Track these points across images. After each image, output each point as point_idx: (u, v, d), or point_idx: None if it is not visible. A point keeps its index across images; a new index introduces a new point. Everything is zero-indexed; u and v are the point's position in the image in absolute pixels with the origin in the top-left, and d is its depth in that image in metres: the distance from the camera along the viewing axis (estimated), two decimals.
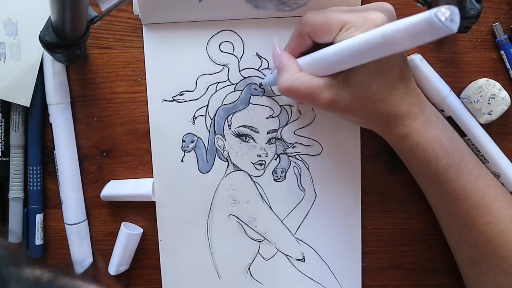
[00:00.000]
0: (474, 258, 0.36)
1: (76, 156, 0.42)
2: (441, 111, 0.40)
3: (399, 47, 0.29)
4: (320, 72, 0.34)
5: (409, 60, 0.39)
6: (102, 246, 0.44)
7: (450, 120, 0.40)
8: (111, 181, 0.43)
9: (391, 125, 0.35)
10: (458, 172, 0.34)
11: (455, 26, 0.26)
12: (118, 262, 0.42)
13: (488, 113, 0.40)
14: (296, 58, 0.36)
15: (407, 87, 0.35)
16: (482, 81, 0.40)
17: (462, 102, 0.41)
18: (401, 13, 0.41)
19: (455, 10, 0.26)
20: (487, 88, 0.40)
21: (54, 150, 0.41)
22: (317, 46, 0.35)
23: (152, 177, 0.43)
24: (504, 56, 0.41)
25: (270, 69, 0.42)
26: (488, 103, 0.40)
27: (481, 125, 0.41)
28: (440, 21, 0.25)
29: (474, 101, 0.40)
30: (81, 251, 0.42)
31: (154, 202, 0.43)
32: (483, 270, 0.36)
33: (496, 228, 0.34)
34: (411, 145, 0.35)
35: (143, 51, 0.41)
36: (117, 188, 0.42)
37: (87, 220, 0.42)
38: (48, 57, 0.39)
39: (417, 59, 0.40)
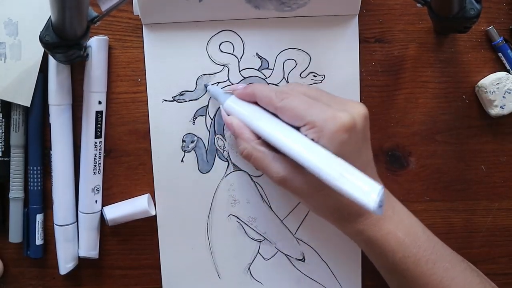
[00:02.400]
0: None
1: (71, 159, 0.42)
2: None
3: (330, 186, 0.30)
4: (263, 138, 0.35)
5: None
6: (101, 246, 0.43)
7: None
8: (104, 207, 0.42)
9: (343, 220, 0.35)
10: (415, 262, 0.35)
11: (381, 212, 0.28)
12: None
13: (501, 107, 0.40)
14: (254, 102, 0.37)
15: None
16: (502, 73, 0.41)
17: (477, 90, 0.41)
18: (401, 13, 0.41)
19: (383, 195, 0.28)
20: (505, 82, 0.40)
21: (51, 150, 0.41)
22: None
23: (152, 176, 0.43)
24: (503, 58, 0.41)
25: (271, 69, 0.42)
26: (503, 97, 0.40)
27: (490, 117, 0.41)
28: (374, 206, 0.27)
29: (489, 91, 0.40)
30: (65, 253, 0.42)
31: (154, 202, 0.43)
32: None
33: None
34: (365, 240, 0.35)
35: (143, 51, 0.42)
36: (117, 211, 0.42)
37: (76, 223, 0.42)
38: (53, 58, 0.39)
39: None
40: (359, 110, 0.33)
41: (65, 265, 0.42)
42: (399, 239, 0.35)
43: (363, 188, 0.28)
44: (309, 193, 0.34)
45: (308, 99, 0.34)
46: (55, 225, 0.42)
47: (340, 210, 0.35)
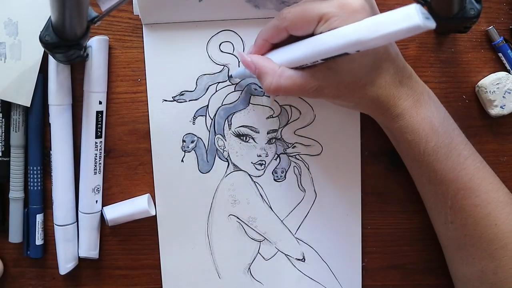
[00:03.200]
0: (460, 241, 0.36)
1: (71, 159, 0.42)
2: None
3: (376, 45, 0.29)
4: (300, 66, 0.34)
5: None
6: (101, 246, 0.43)
7: None
8: (104, 208, 0.42)
9: (381, 107, 0.35)
10: (447, 153, 0.34)
11: (433, 23, 0.26)
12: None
13: (501, 107, 0.40)
14: (268, 49, 0.36)
15: (396, 66, 0.34)
16: (502, 74, 0.41)
17: (477, 90, 0.41)
18: None
19: (422, 8, 0.26)
20: (505, 82, 0.40)
21: (51, 150, 0.41)
22: (291, 37, 0.35)
23: (152, 176, 0.43)
24: (503, 58, 0.41)
25: None
26: (503, 97, 0.40)
27: (490, 117, 0.41)
28: (421, 20, 0.26)
29: (490, 91, 0.40)
30: (65, 253, 0.42)
31: (154, 202, 0.43)
32: (469, 253, 0.36)
33: (483, 210, 0.34)
34: (401, 125, 0.35)
35: (143, 51, 0.42)
36: (117, 211, 0.42)
37: (76, 223, 0.42)
38: (53, 58, 0.39)
39: None
40: None
41: (65, 265, 0.42)
42: (433, 126, 0.34)
43: (399, 14, 0.26)
44: (347, 91, 0.34)
45: (307, 2, 0.33)
46: (55, 225, 0.42)
47: (380, 96, 0.34)
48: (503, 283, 0.34)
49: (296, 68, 0.35)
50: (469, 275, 0.36)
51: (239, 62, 0.41)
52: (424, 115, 0.34)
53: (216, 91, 0.42)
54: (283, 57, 0.35)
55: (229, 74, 0.41)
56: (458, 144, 0.35)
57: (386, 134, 0.39)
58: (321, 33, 0.32)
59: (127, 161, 0.43)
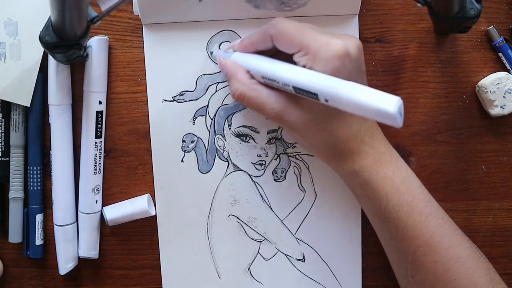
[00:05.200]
0: None
1: (71, 158, 0.42)
2: None
3: (348, 111, 0.29)
4: (261, 79, 0.34)
5: None
6: (101, 246, 0.44)
7: None
8: (104, 208, 0.42)
9: (339, 159, 0.35)
10: (408, 211, 0.34)
11: (401, 122, 0.26)
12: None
13: (501, 107, 0.40)
14: (251, 52, 0.36)
15: (362, 124, 0.34)
16: (502, 74, 0.41)
17: (477, 90, 0.41)
18: (401, 13, 0.41)
19: (401, 104, 0.26)
20: (505, 82, 0.40)
21: (51, 150, 0.41)
22: (276, 52, 0.35)
23: (152, 176, 0.43)
24: (503, 58, 0.41)
25: None
26: (503, 97, 0.40)
27: (490, 117, 0.41)
28: (396, 115, 0.26)
29: (490, 91, 0.40)
30: (65, 253, 0.42)
31: (154, 202, 0.43)
32: None
33: (443, 266, 0.34)
34: (360, 182, 0.35)
35: (143, 51, 0.41)
36: (117, 211, 0.42)
37: (76, 223, 0.42)
38: (52, 58, 0.39)
39: None
40: (352, 40, 0.33)
41: (65, 265, 0.42)
42: (394, 185, 0.34)
43: (380, 97, 0.26)
44: (305, 128, 0.34)
45: (302, 25, 0.33)
46: (55, 225, 0.42)
47: (336, 147, 0.34)
48: None
49: (266, 86, 0.35)
50: None
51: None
52: (384, 174, 0.34)
53: (216, 91, 0.42)
54: (262, 67, 0.35)
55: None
56: (419, 202, 0.34)
57: (347, 186, 0.38)
58: (297, 61, 0.32)
59: (127, 161, 0.43)
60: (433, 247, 0.34)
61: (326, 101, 0.29)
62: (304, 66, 0.32)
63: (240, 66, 0.36)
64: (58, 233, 0.42)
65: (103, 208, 0.42)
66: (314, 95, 0.30)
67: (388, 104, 0.26)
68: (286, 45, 0.33)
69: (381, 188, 0.34)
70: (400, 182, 0.34)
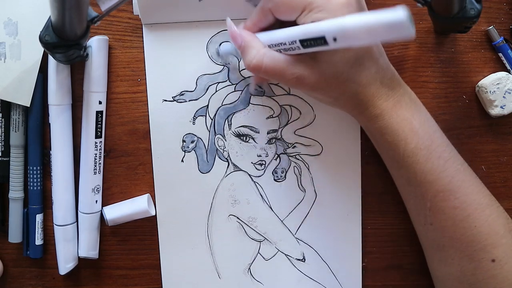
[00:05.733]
0: (440, 242, 0.36)
1: (71, 158, 0.42)
2: None
3: (359, 43, 0.29)
4: (276, 48, 0.34)
5: None
6: (101, 246, 0.44)
7: None
8: (104, 208, 0.42)
9: (361, 105, 0.34)
10: (427, 155, 0.34)
11: (413, 31, 0.26)
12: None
13: (501, 107, 0.40)
14: (256, 31, 0.36)
15: (378, 66, 0.34)
16: (502, 74, 0.41)
17: (477, 90, 0.41)
18: None
19: (408, 12, 0.26)
20: (505, 82, 0.40)
21: (51, 150, 0.41)
22: (279, 22, 0.35)
23: (152, 176, 0.43)
24: (503, 58, 0.41)
25: None
26: (503, 97, 0.40)
27: (490, 117, 0.41)
28: (408, 22, 0.26)
29: (490, 91, 0.40)
30: (65, 253, 0.42)
31: (154, 202, 0.43)
32: (448, 254, 0.35)
33: (463, 212, 0.34)
34: (380, 126, 0.34)
35: (143, 51, 0.41)
36: (117, 211, 0.42)
37: (76, 223, 0.42)
38: (52, 58, 0.39)
39: None
40: None
41: (65, 265, 0.42)
42: (413, 127, 0.34)
43: (386, 12, 0.26)
44: (327, 84, 0.33)
45: None
46: (54, 225, 0.42)
47: (359, 94, 0.34)
48: (481, 283, 0.34)
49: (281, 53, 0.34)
50: (448, 275, 0.36)
51: (238, 62, 0.41)
52: (404, 116, 0.34)
53: (216, 91, 0.42)
54: (267, 36, 0.34)
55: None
56: (438, 146, 0.34)
57: (367, 134, 0.38)
58: (304, 23, 0.32)
59: (127, 161, 0.43)
60: (453, 192, 0.34)
61: (335, 40, 0.29)
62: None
63: (255, 35, 0.35)
64: (58, 233, 0.42)
65: (103, 208, 0.42)
66: (322, 40, 0.30)
67: (397, 14, 0.26)
68: (288, 11, 0.33)
69: (401, 130, 0.34)
70: (419, 125, 0.34)
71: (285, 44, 0.33)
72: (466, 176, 0.35)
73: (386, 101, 0.34)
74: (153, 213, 0.42)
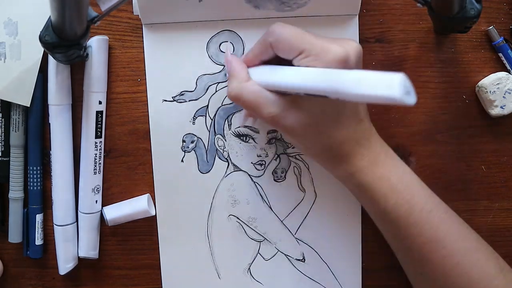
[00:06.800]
0: None
1: (71, 158, 0.42)
2: None
3: (353, 100, 0.28)
4: (270, 88, 0.34)
5: None
6: (101, 246, 0.44)
7: None
8: (104, 208, 0.42)
9: (334, 161, 0.34)
10: (408, 209, 0.34)
11: (412, 100, 0.25)
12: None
13: (501, 107, 0.40)
14: (257, 64, 0.36)
15: (359, 126, 0.34)
16: (502, 74, 0.41)
17: (477, 90, 0.41)
18: (401, 13, 0.41)
19: (407, 81, 0.25)
20: (505, 82, 0.40)
21: (50, 150, 0.41)
22: (279, 59, 0.34)
23: (152, 176, 0.43)
24: (503, 58, 0.41)
25: None
26: (503, 97, 0.40)
27: (490, 117, 0.41)
28: (399, 95, 0.24)
29: (490, 91, 0.40)
30: (65, 253, 0.42)
31: (154, 202, 0.43)
32: None
33: (452, 261, 0.34)
34: (357, 184, 0.34)
35: (143, 51, 0.41)
36: (117, 211, 0.42)
37: (75, 223, 0.42)
38: (52, 58, 0.39)
39: None
40: (352, 45, 0.33)
41: (65, 265, 0.42)
42: (392, 184, 0.33)
43: (382, 83, 0.25)
44: (302, 131, 0.33)
45: (300, 30, 0.33)
46: (54, 225, 0.42)
47: (332, 149, 0.33)
48: None
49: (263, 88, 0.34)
50: None
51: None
52: (381, 174, 0.34)
53: (216, 91, 0.42)
54: (260, 74, 0.34)
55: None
56: (420, 198, 0.34)
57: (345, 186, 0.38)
58: (298, 65, 0.32)
59: (127, 161, 0.43)
60: (439, 242, 0.34)
61: (337, 99, 0.29)
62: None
63: (244, 65, 0.36)
64: (58, 233, 0.42)
65: (103, 208, 0.42)
66: (323, 96, 0.30)
67: (390, 88, 0.25)
68: (286, 50, 0.33)
69: (378, 188, 0.34)
70: (397, 181, 0.34)
71: (279, 90, 0.33)
72: (452, 224, 0.35)
73: (361, 160, 0.34)
74: (153, 213, 0.42)
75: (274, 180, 0.43)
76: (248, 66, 0.36)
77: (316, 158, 0.36)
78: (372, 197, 0.34)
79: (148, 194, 0.43)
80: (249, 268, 0.44)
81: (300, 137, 0.34)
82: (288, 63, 0.34)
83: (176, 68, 0.42)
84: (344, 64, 0.31)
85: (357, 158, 0.34)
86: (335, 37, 0.34)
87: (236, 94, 0.34)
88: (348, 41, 0.33)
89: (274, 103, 0.33)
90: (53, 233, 0.42)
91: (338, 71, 0.29)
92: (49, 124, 0.41)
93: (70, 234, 0.42)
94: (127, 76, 0.42)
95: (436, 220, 0.34)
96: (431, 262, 0.34)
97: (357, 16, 0.41)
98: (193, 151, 0.42)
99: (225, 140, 0.42)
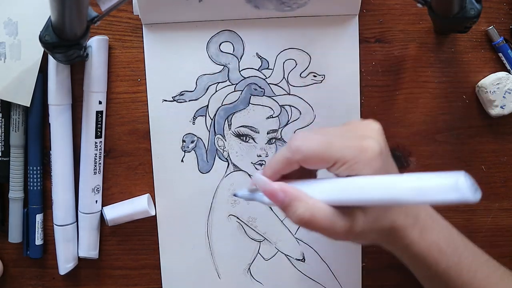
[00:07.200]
0: None
1: (71, 158, 0.42)
2: None
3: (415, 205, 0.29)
4: (331, 203, 0.31)
5: None
6: (101, 246, 0.44)
7: None
8: (104, 208, 0.42)
9: (391, 238, 0.35)
10: (457, 271, 0.35)
11: (479, 195, 0.25)
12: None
13: (501, 107, 0.40)
14: (277, 180, 0.33)
15: None
16: (502, 74, 0.41)
17: (477, 90, 0.41)
18: (401, 13, 0.41)
19: (470, 178, 0.25)
20: (505, 82, 0.40)
21: (50, 150, 0.41)
22: (303, 168, 0.33)
23: (152, 176, 0.43)
24: (503, 58, 0.41)
25: (271, 69, 0.41)
26: (503, 97, 0.40)
27: (490, 117, 0.41)
28: (471, 195, 0.25)
29: (490, 91, 0.40)
30: (65, 253, 0.42)
31: (154, 202, 0.43)
32: None
33: None
34: (411, 255, 0.35)
35: (143, 51, 0.41)
36: (117, 211, 0.42)
37: (76, 223, 0.42)
38: (52, 58, 0.39)
39: None
40: (376, 130, 0.33)
41: (65, 265, 0.42)
42: (441, 249, 0.35)
43: (446, 183, 0.26)
44: (370, 230, 0.33)
45: (324, 137, 0.32)
46: (54, 225, 0.42)
47: (388, 229, 0.34)
48: None
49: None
50: None
51: (238, 62, 0.41)
52: (431, 240, 0.35)
53: (216, 91, 0.42)
54: (315, 190, 0.32)
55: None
56: (466, 259, 0.35)
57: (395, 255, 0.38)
58: (337, 174, 0.31)
59: (127, 161, 0.43)
60: None
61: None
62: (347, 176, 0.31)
63: (296, 188, 0.32)
64: (58, 233, 0.42)
65: (103, 208, 0.42)
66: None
67: (459, 192, 0.25)
68: (318, 164, 0.32)
69: (430, 255, 0.35)
70: (446, 246, 0.35)
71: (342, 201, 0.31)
72: (496, 279, 0.36)
73: (413, 231, 0.34)
74: (153, 213, 0.42)
75: None
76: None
77: (377, 242, 0.36)
78: (424, 264, 0.35)
79: (148, 194, 0.43)
80: (249, 268, 0.44)
81: (368, 236, 0.34)
82: (309, 170, 0.32)
83: (176, 68, 0.42)
84: (381, 156, 0.31)
85: (409, 230, 0.34)
86: (352, 125, 0.34)
87: (309, 217, 0.31)
88: (368, 127, 0.33)
89: (343, 214, 0.31)
90: (53, 233, 0.42)
91: (393, 179, 0.28)
92: (49, 124, 0.41)
93: (70, 234, 0.42)
94: (127, 76, 0.42)
95: (482, 278, 0.35)
96: None
97: (357, 16, 0.41)
98: (193, 151, 0.42)
99: (225, 140, 0.42)
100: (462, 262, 0.35)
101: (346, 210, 0.31)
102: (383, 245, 0.36)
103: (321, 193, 0.32)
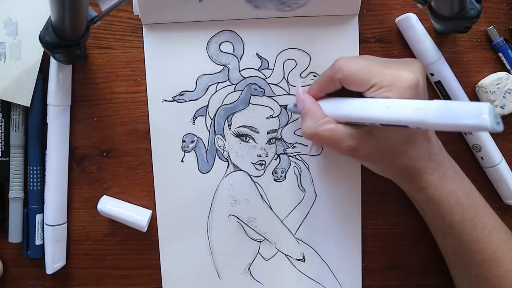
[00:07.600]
0: None
1: (66, 160, 0.42)
2: (431, 75, 0.40)
3: (438, 129, 0.29)
4: (343, 120, 0.35)
5: (403, 19, 0.40)
6: (101, 246, 0.44)
7: (439, 84, 0.40)
8: (105, 196, 0.42)
9: (408, 177, 0.36)
10: (471, 226, 0.35)
11: (500, 128, 0.26)
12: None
13: (501, 107, 0.40)
14: (322, 98, 0.37)
15: (429, 143, 0.35)
16: (502, 74, 0.41)
17: (477, 90, 0.41)
18: (401, 13, 0.41)
19: (494, 110, 0.26)
20: (505, 82, 0.40)
21: (46, 150, 0.41)
22: (345, 89, 0.35)
23: (152, 176, 0.43)
24: (503, 58, 0.41)
25: (271, 69, 0.42)
26: (503, 97, 0.40)
27: None
28: (491, 124, 0.25)
29: (490, 91, 0.40)
30: (54, 253, 0.42)
31: (154, 202, 0.43)
32: None
33: (508, 280, 0.35)
34: (427, 198, 0.36)
35: (143, 51, 0.41)
36: (113, 208, 0.42)
37: (66, 224, 0.42)
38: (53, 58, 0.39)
39: (413, 19, 0.40)
40: (418, 67, 0.34)
41: (52, 265, 0.42)
42: (459, 200, 0.35)
43: (471, 110, 0.26)
44: (379, 157, 0.34)
45: (366, 61, 0.34)
46: (45, 225, 0.42)
47: (406, 167, 0.35)
48: None
49: (338, 122, 0.35)
50: None
51: (238, 62, 0.41)
52: (450, 189, 0.35)
53: (216, 91, 0.42)
54: (335, 109, 0.35)
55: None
56: (483, 217, 0.35)
57: (412, 201, 0.40)
58: (372, 97, 0.32)
59: (127, 161, 0.43)
60: (498, 262, 0.35)
61: (418, 128, 0.30)
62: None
63: (317, 104, 0.36)
64: (47, 232, 0.42)
65: (103, 196, 0.42)
66: (404, 126, 0.30)
67: (481, 118, 0.26)
68: (357, 85, 0.34)
69: (446, 203, 0.35)
70: (464, 198, 0.35)
71: (351, 121, 0.34)
72: (510, 244, 0.36)
73: (432, 175, 0.35)
74: (145, 230, 0.42)
75: (274, 180, 0.43)
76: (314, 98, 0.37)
77: (391, 177, 0.37)
78: (439, 211, 0.35)
79: (151, 211, 0.43)
80: (249, 268, 0.44)
81: (378, 162, 0.36)
82: (355, 93, 0.34)
83: (176, 68, 0.42)
84: (416, 89, 0.32)
85: (429, 173, 0.35)
86: (397, 60, 0.35)
87: (313, 133, 0.35)
88: (412, 63, 0.34)
89: (350, 136, 0.34)
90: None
91: (421, 103, 0.29)
92: (47, 124, 0.41)
93: (60, 235, 0.42)
94: (127, 76, 0.42)
95: (497, 239, 0.35)
96: (488, 280, 0.35)
97: (357, 16, 0.41)
98: (193, 151, 0.42)
99: (225, 140, 0.42)
100: (478, 219, 0.35)
101: (357, 131, 0.34)
102: (395, 181, 0.37)
103: (335, 107, 0.35)
